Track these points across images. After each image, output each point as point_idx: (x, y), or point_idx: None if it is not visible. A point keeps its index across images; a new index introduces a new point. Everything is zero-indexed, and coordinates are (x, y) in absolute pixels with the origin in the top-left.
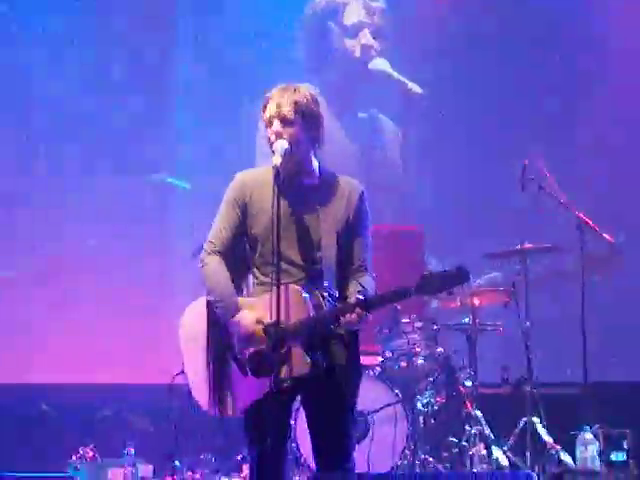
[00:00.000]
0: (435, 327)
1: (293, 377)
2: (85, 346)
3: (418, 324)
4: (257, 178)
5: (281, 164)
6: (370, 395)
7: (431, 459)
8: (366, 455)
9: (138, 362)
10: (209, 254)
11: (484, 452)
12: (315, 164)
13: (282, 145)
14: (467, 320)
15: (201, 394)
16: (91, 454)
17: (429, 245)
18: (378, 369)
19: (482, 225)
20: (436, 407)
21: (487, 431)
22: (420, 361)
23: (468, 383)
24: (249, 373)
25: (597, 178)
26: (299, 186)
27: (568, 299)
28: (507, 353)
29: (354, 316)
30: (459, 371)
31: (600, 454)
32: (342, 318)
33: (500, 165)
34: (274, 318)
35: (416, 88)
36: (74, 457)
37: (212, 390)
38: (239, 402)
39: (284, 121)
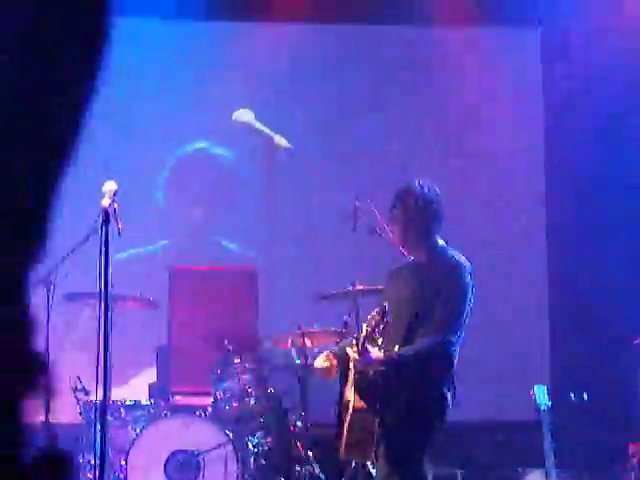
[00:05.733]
0: (266, 368)
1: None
2: None
3: (250, 365)
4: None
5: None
6: (201, 435)
7: None
8: None
9: None
10: None
11: None
12: (426, 245)
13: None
14: (298, 361)
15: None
16: None
17: (264, 287)
18: (210, 410)
19: (318, 267)
20: (267, 447)
21: (317, 471)
22: (251, 402)
23: (299, 423)
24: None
25: None
26: (414, 265)
27: None
28: None
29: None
30: (290, 412)
31: None
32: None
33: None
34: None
35: (282, 141)
36: None
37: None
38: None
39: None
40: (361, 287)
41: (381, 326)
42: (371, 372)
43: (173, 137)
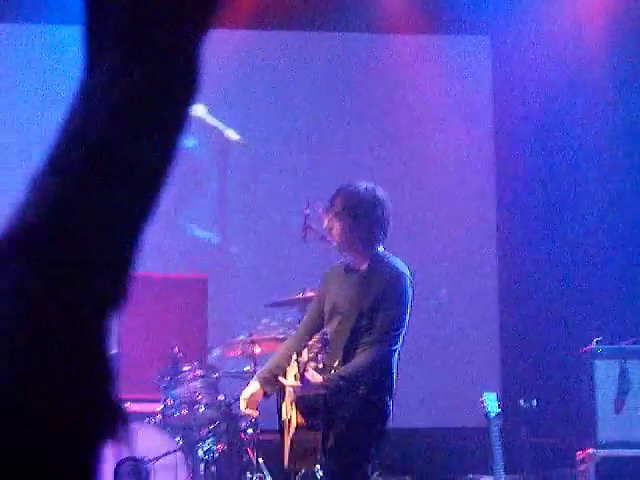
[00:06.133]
0: (216, 375)
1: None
2: None
3: (199, 372)
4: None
5: None
6: (150, 443)
7: None
8: None
9: None
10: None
11: None
12: (369, 253)
13: None
14: (248, 368)
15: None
16: None
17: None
18: (159, 417)
19: (271, 274)
20: (217, 455)
21: (269, 478)
22: (201, 409)
23: (249, 430)
24: None
25: None
26: (353, 271)
27: None
28: None
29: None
30: (240, 418)
31: None
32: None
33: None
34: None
35: (234, 135)
36: None
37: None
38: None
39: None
40: (311, 294)
41: (322, 355)
42: (312, 394)
43: None
